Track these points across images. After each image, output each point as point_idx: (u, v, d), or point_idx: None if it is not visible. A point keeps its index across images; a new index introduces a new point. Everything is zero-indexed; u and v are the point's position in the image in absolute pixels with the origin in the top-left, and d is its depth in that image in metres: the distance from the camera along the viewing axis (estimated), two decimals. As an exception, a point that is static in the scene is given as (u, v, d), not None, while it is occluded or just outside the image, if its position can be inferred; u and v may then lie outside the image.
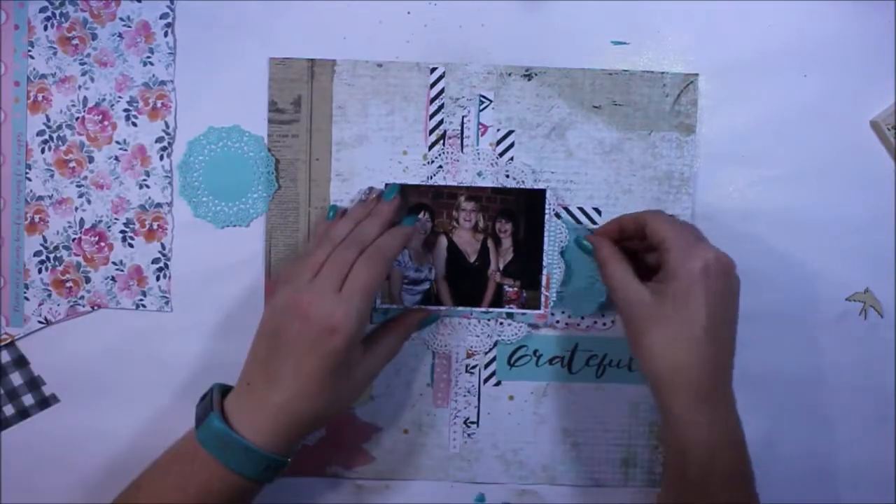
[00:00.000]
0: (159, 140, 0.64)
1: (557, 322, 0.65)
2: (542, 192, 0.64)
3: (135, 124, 0.64)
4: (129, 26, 0.64)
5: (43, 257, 0.65)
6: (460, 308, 0.65)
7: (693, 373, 0.53)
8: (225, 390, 0.57)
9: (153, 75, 0.64)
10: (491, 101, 0.64)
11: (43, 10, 0.64)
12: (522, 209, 0.64)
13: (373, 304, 0.56)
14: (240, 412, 0.54)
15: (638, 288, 0.56)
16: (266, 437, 0.54)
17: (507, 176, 0.64)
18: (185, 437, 0.57)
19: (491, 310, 0.65)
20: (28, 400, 0.65)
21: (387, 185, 0.64)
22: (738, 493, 0.54)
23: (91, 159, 0.64)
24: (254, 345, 0.57)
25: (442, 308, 0.65)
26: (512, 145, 0.64)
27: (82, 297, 0.65)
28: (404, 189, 0.63)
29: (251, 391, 0.55)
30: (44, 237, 0.65)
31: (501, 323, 0.65)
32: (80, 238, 0.65)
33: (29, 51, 0.64)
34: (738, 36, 0.64)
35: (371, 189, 0.64)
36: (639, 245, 0.61)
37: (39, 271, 0.65)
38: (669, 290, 0.54)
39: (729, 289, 0.56)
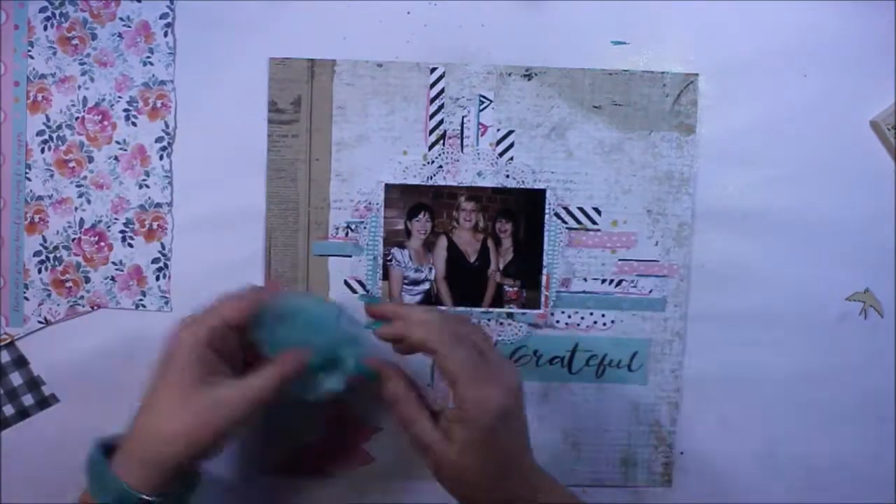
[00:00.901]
0: (159, 140, 0.64)
1: (557, 322, 0.65)
2: (542, 192, 0.64)
3: (135, 124, 0.64)
4: (129, 26, 0.64)
5: (43, 257, 0.65)
6: (460, 308, 0.65)
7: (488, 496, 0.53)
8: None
9: (153, 75, 0.64)
10: (491, 101, 0.64)
11: (43, 10, 0.64)
12: (522, 209, 0.64)
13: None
14: (122, 459, 0.52)
15: (432, 435, 0.53)
16: (147, 479, 0.51)
17: (508, 176, 0.64)
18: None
19: (491, 310, 0.65)
20: (28, 400, 0.65)
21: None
22: None
23: (91, 159, 0.64)
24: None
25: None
26: (512, 145, 0.64)
27: (82, 297, 0.65)
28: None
29: (130, 438, 0.53)
30: (43, 237, 0.65)
31: (501, 323, 0.65)
32: (79, 238, 0.65)
33: (29, 51, 0.64)
34: (738, 36, 0.64)
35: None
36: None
37: (39, 271, 0.65)
38: (463, 439, 0.52)
39: (518, 413, 0.54)
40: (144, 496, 0.51)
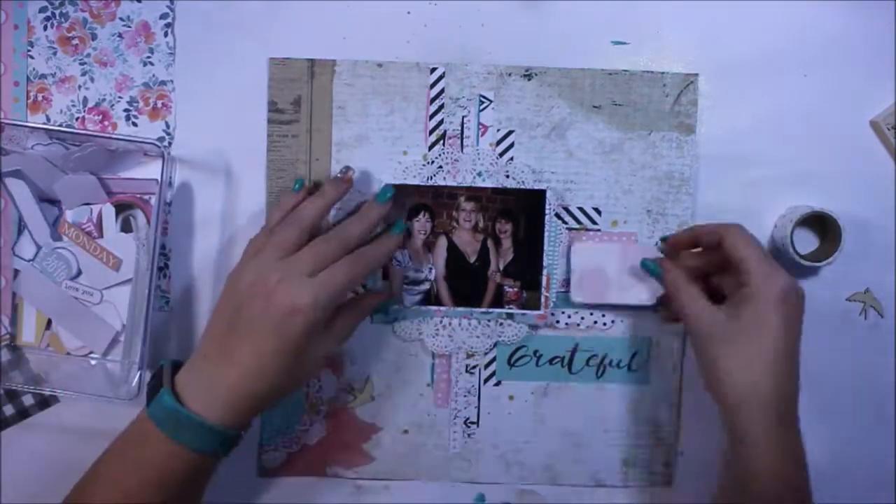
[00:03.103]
0: (159, 140, 0.64)
1: (557, 322, 0.65)
2: (543, 192, 0.64)
3: (135, 124, 0.64)
4: (129, 26, 0.64)
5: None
6: (460, 308, 0.65)
7: (772, 396, 0.53)
8: (176, 366, 0.56)
9: (153, 75, 0.64)
10: (491, 101, 0.64)
11: (43, 10, 0.64)
12: (523, 209, 0.64)
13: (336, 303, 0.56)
14: (193, 387, 0.54)
15: (712, 311, 0.56)
16: (219, 412, 0.53)
17: (508, 176, 0.64)
18: (137, 418, 0.56)
19: (491, 310, 0.65)
20: (28, 400, 0.65)
21: (382, 186, 0.63)
22: None
23: (91, 159, 0.64)
24: (213, 319, 0.56)
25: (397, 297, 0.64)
26: (512, 145, 0.64)
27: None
28: (396, 191, 0.62)
29: (206, 366, 0.54)
30: (44, 237, 0.65)
31: (501, 323, 0.65)
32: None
33: (29, 51, 0.64)
34: (738, 36, 0.64)
35: (347, 168, 0.62)
36: (706, 260, 0.60)
37: (39, 271, 0.65)
38: (747, 313, 0.54)
39: (800, 318, 0.56)
40: (232, 431, 0.54)
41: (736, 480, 0.55)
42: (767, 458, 0.53)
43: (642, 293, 0.63)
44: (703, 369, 0.57)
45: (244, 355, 0.53)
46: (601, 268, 0.64)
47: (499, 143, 0.64)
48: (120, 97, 0.64)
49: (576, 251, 0.64)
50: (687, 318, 0.57)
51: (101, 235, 0.64)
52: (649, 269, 0.61)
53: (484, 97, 0.64)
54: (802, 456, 0.55)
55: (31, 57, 0.64)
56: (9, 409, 0.65)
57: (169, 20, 0.64)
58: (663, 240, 0.63)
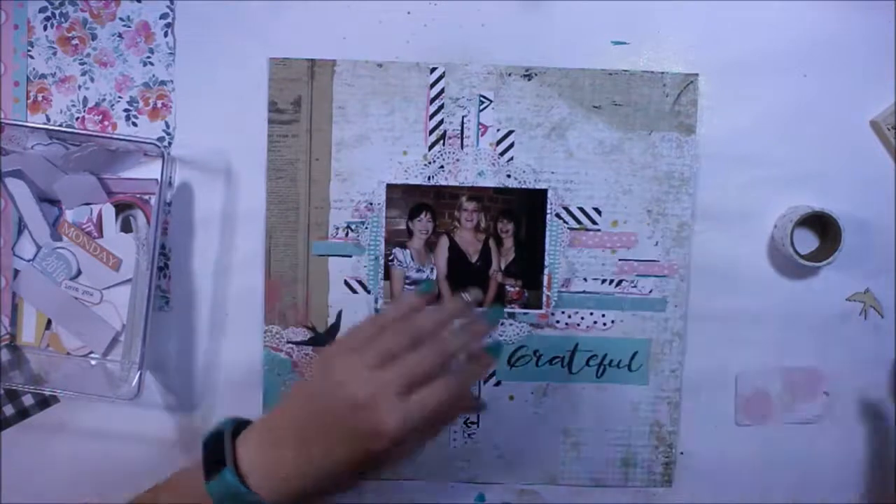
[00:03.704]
0: (159, 140, 0.64)
1: (557, 322, 0.65)
2: (544, 192, 0.64)
3: (135, 124, 0.64)
4: (129, 26, 0.64)
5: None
6: (461, 308, 0.65)
7: None
8: (236, 427, 0.54)
9: (153, 75, 0.64)
10: (491, 101, 0.64)
11: (43, 10, 0.64)
12: (524, 209, 0.64)
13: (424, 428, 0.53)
14: (259, 470, 0.52)
15: None
16: (277, 496, 0.52)
17: (509, 176, 0.64)
18: (188, 478, 0.53)
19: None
20: (28, 400, 0.65)
21: (493, 308, 0.63)
22: None
23: (91, 159, 0.64)
24: (292, 402, 0.54)
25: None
26: (512, 145, 0.64)
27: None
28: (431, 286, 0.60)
29: (276, 453, 0.53)
30: (44, 237, 0.65)
31: (503, 323, 0.65)
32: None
33: (29, 51, 0.64)
34: (738, 36, 0.64)
35: (471, 293, 0.62)
36: None
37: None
38: None
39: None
40: None
41: None
42: None
43: (808, 410, 0.65)
44: None
45: (320, 455, 0.52)
46: (765, 391, 0.65)
47: (499, 143, 0.64)
48: (120, 97, 0.64)
49: (741, 375, 0.66)
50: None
51: (101, 235, 0.64)
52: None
53: (484, 97, 0.64)
54: None
55: (31, 57, 0.64)
56: (9, 409, 0.65)
57: (169, 20, 0.64)
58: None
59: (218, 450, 0.53)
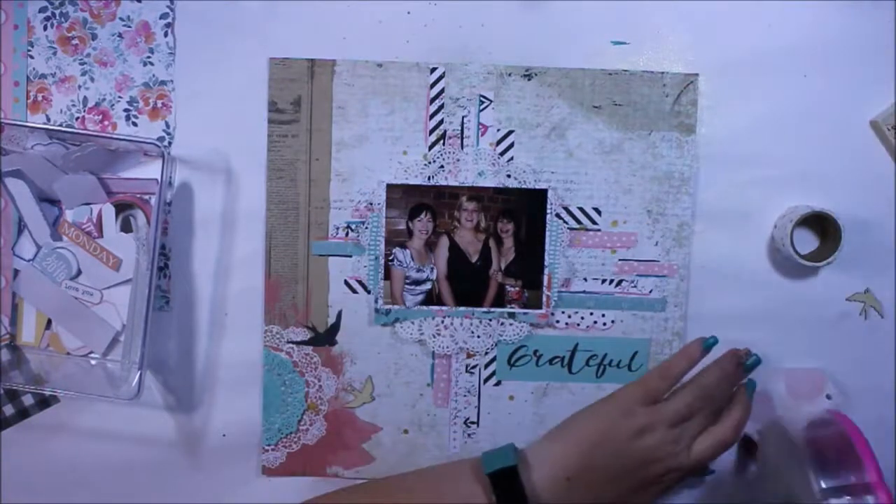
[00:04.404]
0: (159, 140, 0.64)
1: (557, 322, 0.65)
2: (544, 192, 0.64)
3: (135, 124, 0.64)
4: (129, 26, 0.64)
5: (43, 257, 0.65)
6: (462, 308, 0.65)
7: None
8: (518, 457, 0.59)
9: (153, 75, 0.64)
10: (491, 101, 0.64)
11: (43, 10, 0.64)
12: (524, 209, 0.64)
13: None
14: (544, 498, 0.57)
15: None
16: None
17: (509, 176, 0.64)
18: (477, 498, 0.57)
19: (493, 310, 0.65)
20: (28, 400, 0.65)
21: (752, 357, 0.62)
22: None
23: (91, 159, 0.64)
24: (594, 447, 0.58)
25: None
26: (512, 145, 0.64)
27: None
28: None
29: (570, 488, 0.57)
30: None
31: (503, 323, 0.65)
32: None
33: (29, 51, 0.64)
34: (738, 36, 0.64)
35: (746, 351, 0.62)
36: None
37: (39, 271, 0.65)
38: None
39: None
40: None
41: None
42: None
43: (810, 411, 0.65)
44: None
45: (611, 496, 0.58)
46: (766, 391, 0.65)
47: (499, 143, 0.64)
48: (120, 97, 0.64)
49: None
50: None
51: (101, 235, 0.64)
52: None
53: (484, 97, 0.64)
54: None
55: (31, 57, 0.64)
56: (9, 409, 0.65)
57: (169, 20, 0.64)
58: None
59: (508, 483, 0.57)
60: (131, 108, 0.64)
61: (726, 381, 0.60)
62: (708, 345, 0.61)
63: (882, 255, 0.65)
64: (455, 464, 0.61)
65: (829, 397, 0.65)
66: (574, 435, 0.60)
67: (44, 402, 0.66)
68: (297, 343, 0.65)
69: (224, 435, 0.66)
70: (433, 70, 0.64)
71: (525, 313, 0.65)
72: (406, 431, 0.66)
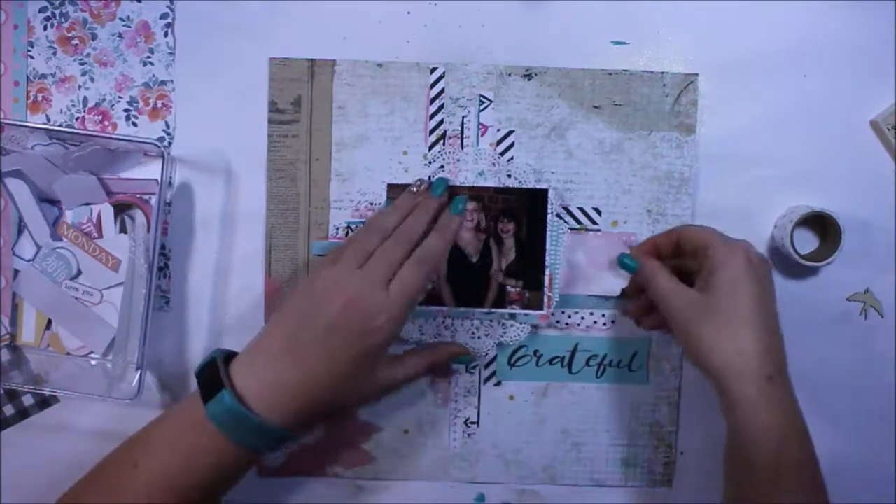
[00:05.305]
0: (159, 140, 0.64)
1: (558, 322, 0.65)
2: (545, 191, 0.64)
3: (135, 124, 0.64)
4: (129, 26, 0.64)
5: (43, 257, 0.65)
6: (462, 309, 0.65)
7: (755, 356, 0.54)
8: (227, 357, 0.56)
9: (153, 75, 0.64)
10: (491, 101, 0.64)
11: (43, 10, 0.64)
12: (524, 209, 0.64)
13: (414, 306, 0.58)
14: (255, 387, 0.53)
15: (686, 290, 0.57)
16: (281, 414, 0.53)
17: (510, 176, 0.64)
18: (184, 410, 0.55)
19: (493, 310, 0.65)
20: (28, 400, 0.65)
21: (434, 178, 0.63)
22: (808, 481, 0.55)
23: (91, 159, 0.64)
24: (281, 317, 0.55)
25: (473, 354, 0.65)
26: (512, 145, 0.64)
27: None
28: (449, 182, 0.63)
29: (271, 366, 0.54)
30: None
31: (503, 324, 0.65)
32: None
33: (29, 51, 0.64)
34: (738, 36, 0.64)
35: (421, 180, 0.62)
36: (673, 262, 0.62)
37: (39, 271, 0.65)
38: (717, 283, 0.55)
39: (769, 277, 0.57)
40: (290, 433, 0.54)
41: (734, 450, 0.55)
42: (764, 415, 0.53)
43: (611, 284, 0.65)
44: (688, 347, 0.57)
45: (315, 361, 0.53)
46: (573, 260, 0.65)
47: (499, 143, 0.64)
48: (120, 97, 0.64)
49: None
50: (664, 302, 0.58)
51: (100, 236, 0.64)
52: (625, 265, 0.62)
53: (484, 97, 0.64)
54: (799, 419, 0.55)
55: (31, 57, 0.64)
56: (9, 409, 0.65)
57: (169, 20, 0.64)
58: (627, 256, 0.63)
59: (212, 377, 0.53)
60: (131, 108, 0.64)
61: (402, 219, 0.58)
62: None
63: (882, 255, 0.65)
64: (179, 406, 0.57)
65: None
66: (276, 313, 0.57)
67: (44, 402, 0.66)
68: (297, 343, 0.65)
69: (224, 435, 0.66)
70: (433, 70, 0.64)
71: (526, 314, 0.65)
72: (406, 431, 0.66)
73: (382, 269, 0.55)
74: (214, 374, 0.54)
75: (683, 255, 0.60)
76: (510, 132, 0.64)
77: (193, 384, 0.65)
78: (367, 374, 0.56)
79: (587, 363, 0.66)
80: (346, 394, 0.56)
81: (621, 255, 0.63)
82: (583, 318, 0.66)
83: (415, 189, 0.62)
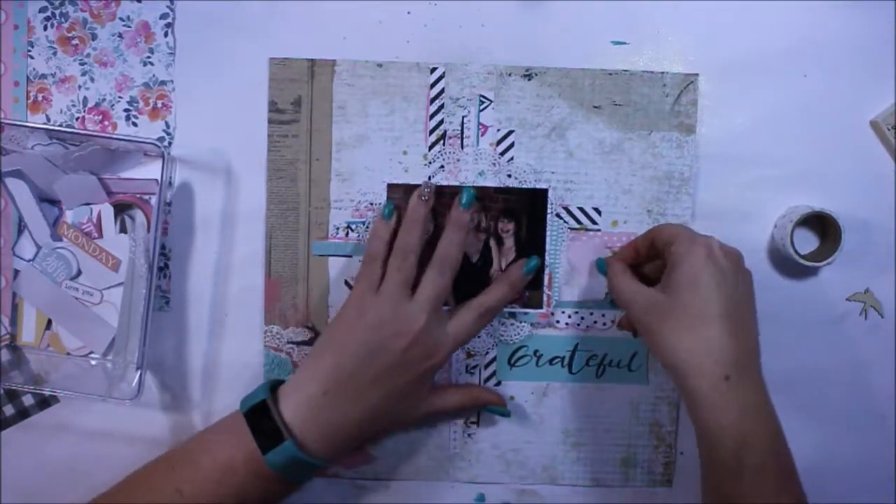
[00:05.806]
0: (159, 140, 0.64)
1: (558, 322, 0.65)
2: (545, 191, 0.64)
3: (135, 124, 0.64)
4: (129, 26, 0.64)
5: (43, 257, 0.65)
6: (461, 308, 0.65)
7: (708, 354, 0.52)
8: (272, 387, 0.57)
9: (153, 75, 0.64)
10: (491, 101, 0.64)
11: (43, 10, 0.64)
12: (524, 209, 0.64)
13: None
14: (312, 428, 0.54)
15: (646, 290, 0.56)
16: (336, 451, 0.55)
17: (509, 176, 0.64)
18: (233, 443, 0.55)
19: (491, 310, 0.65)
20: (28, 400, 0.65)
21: (462, 189, 0.62)
22: (772, 485, 0.52)
23: (91, 159, 0.64)
24: (337, 352, 0.56)
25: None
26: (512, 145, 0.64)
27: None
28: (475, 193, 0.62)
29: (328, 405, 0.55)
30: (44, 237, 0.65)
31: (503, 323, 0.65)
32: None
33: (29, 51, 0.64)
34: (738, 36, 0.64)
35: (428, 185, 0.61)
36: (655, 263, 0.62)
37: (39, 271, 0.65)
38: (677, 280, 0.54)
39: (737, 272, 0.55)
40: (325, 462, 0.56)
41: (699, 449, 0.54)
42: (721, 416, 0.51)
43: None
44: (651, 347, 0.56)
45: (378, 397, 0.55)
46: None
47: (499, 143, 0.64)
48: (120, 97, 0.64)
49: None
50: (627, 304, 0.57)
51: (100, 236, 0.64)
52: (600, 269, 0.62)
53: (484, 97, 0.64)
54: (765, 407, 0.53)
55: (31, 57, 0.64)
56: (9, 409, 0.65)
57: (169, 20, 0.64)
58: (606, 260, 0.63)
59: (268, 424, 0.54)
60: (131, 108, 0.64)
61: (424, 231, 0.60)
62: (385, 215, 0.61)
63: (882, 255, 0.65)
64: (220, 423, 0.58)
65: None
66: (325, 346, 0.57)
67: (44, 402, 0.66)
68: (298, 343, 0.65)
69: (224, 435, 0.66)
70: (433, 70, 0.64)
71: (525, 313, 0.65)
72: (406, 431, 0.66)
73: (434, 297, 0.57)
74: (268, 419, 0.54)
75: (659, 255, 0.59)
76: (510, 132, 0.64)
77: (194, 384, 0.65)
78: (415, 402, 0.58)
79: (587, 363, 0.66)
80: (395, 424, 0.58)
81: (598, 259, 0.63)
82: (583, 318, 0.66)
83: (425, 198, 0.61)
